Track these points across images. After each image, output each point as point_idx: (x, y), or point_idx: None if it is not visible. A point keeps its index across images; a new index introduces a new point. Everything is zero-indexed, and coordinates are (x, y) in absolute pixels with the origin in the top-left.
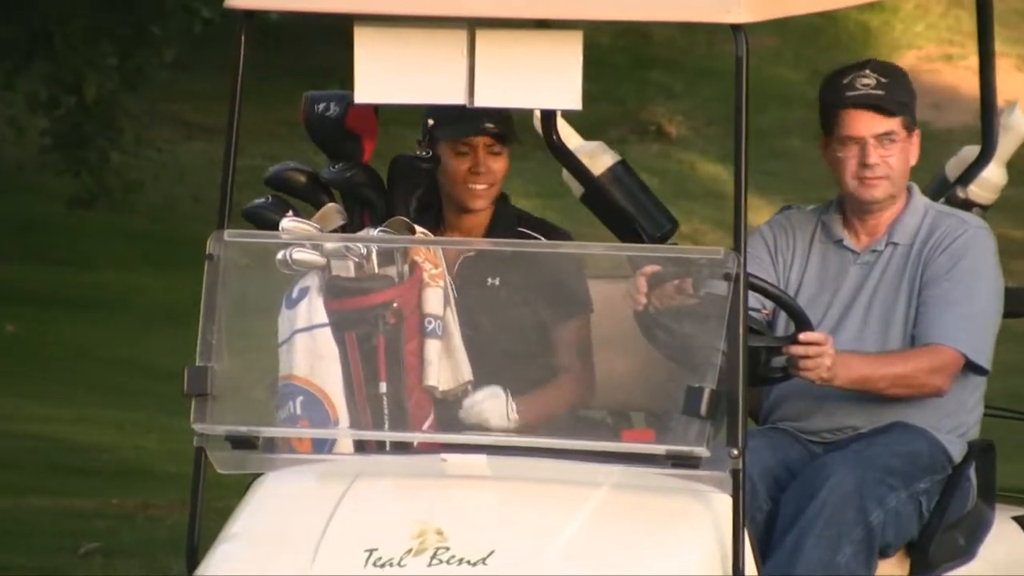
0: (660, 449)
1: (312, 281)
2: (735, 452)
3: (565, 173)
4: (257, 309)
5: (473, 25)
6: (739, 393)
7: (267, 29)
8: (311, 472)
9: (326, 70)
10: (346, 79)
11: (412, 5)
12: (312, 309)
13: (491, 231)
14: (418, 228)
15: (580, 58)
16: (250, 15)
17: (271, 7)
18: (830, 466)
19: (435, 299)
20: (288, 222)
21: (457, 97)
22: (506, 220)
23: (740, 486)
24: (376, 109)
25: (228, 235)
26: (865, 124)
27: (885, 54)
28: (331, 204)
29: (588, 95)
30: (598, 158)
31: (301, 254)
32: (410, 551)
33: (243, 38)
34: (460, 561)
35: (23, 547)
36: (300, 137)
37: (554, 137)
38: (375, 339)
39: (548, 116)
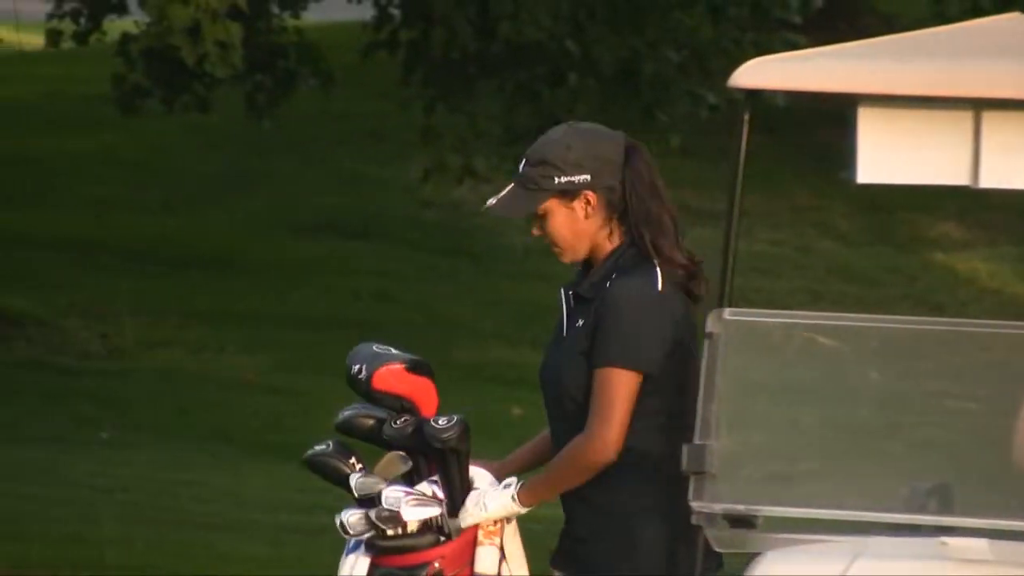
0: None
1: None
2: None
3: None
4: (756, 387)
5: (979, 106)
6: None
7: (773, 115)
8: (810, 552)
9: (829, 154)
10: (847, 163)
11: (918, 86)
12: (355, 564)
13: (587, 277)
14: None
15: None
16: (752, 95)
17: (774, 87)
18: None
19: (488, 558)
20: (358, 479)
21: (961, 178)
22: (607, 267)
23: None
24: (414, 369)
25: (729, 313)
26: None
27: None
28: (394, 452)
29: None
30: None
31: (350, 516)
32: None
33: (746, 118)
34: None
35: None
36: (808, 223)
37: None
38: None
39: None
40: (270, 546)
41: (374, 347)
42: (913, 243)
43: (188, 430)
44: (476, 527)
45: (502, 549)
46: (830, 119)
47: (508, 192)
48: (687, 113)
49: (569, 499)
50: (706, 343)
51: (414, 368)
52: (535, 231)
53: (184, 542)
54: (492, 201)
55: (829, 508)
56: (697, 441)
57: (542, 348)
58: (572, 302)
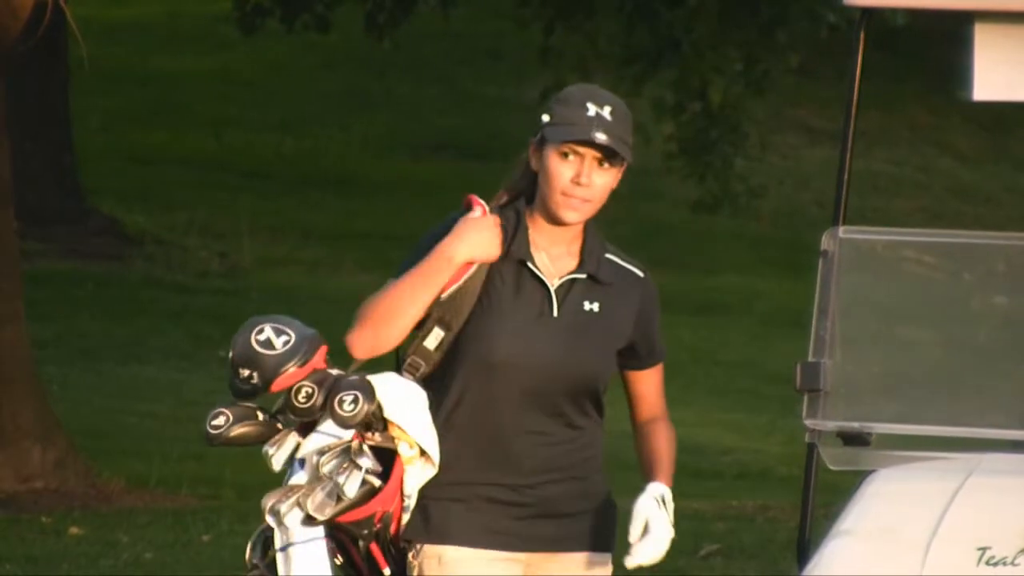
0: None
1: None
2: None
3: None
4: (869, 305)
5: None
6: None
7: (891, 33)
8: (923, 469)
9: (948, 72)
10: (964, 81)
11: None
12: (315, 551)
13: (585, 254)
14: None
15: None
16: (868, 13)
17: (890, 4)
18: None
19: (412, 478)
20: (276, 454)
21: None
22: (597, 243)
23: None
24: (307, 358)
25: (843, 231)
26: None
27: None
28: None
29: None
30: None
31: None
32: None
33: (862, 36)
34: None
35: None
36: (927, 142)
37: None
38: (366, 546)
39: None
40: None
41: (254, 345)
42: None
43: None
44: (399, 459)
45: None
46: (949, 37)
47: (614, 139)
48: (806, 32)
49: (563, 479)
50: (820, 261)
51: (306, 359)
52: (583, 179)
53: None
54: (604, 138)
55: (943, 425)
56: (811, 359)
57: (659, 265)
58: (570, 282)
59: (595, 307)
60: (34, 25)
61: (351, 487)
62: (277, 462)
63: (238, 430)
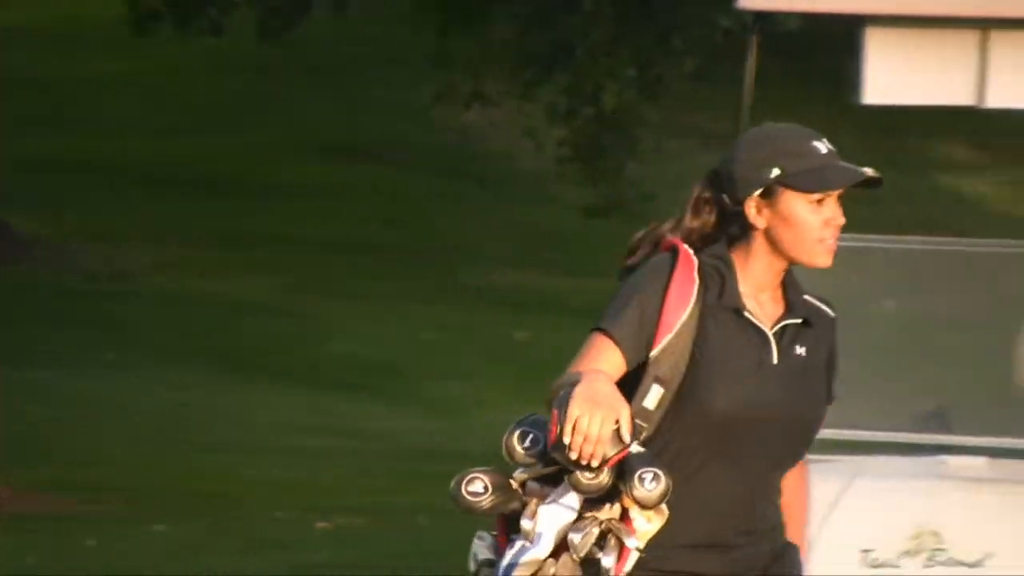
0: None
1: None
2: None
3: None
4: None
5: (986, 26)
6: None
7: (785, 38)
8: (809, 471)
9: (837, 77)
10: (854, 85)
11: (925, 5)
12: None
13: (792, 297)
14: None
15: None
16: (761, 17)
17: (782, 8)
18: None
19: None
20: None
21: (966, 98)
22: (797, 285)
23: None
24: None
25: None
26: None
27: None
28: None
29: None
30: None
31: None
32: (906, 552)
33: (755, 39)
34: (956, 563)
35: None
36: None
37: None
38: None
39: None
40: (278, 468)
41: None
42: (921, 166)
43: (193, 353)
44: (626, 550)
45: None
46: (843, 42)
47: (859, 166)
48: (701, 38)
49: (776, 540)
50: None
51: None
52: (836, 220)
53: (192, 464)
54: (868, 170)
55: (829, 428)
56: None
57: (550, 270)
58: (783, 328)
59: (803, 351)
60: None
61: (612, 567)
62: (529, 535)
63: (495, 500)
